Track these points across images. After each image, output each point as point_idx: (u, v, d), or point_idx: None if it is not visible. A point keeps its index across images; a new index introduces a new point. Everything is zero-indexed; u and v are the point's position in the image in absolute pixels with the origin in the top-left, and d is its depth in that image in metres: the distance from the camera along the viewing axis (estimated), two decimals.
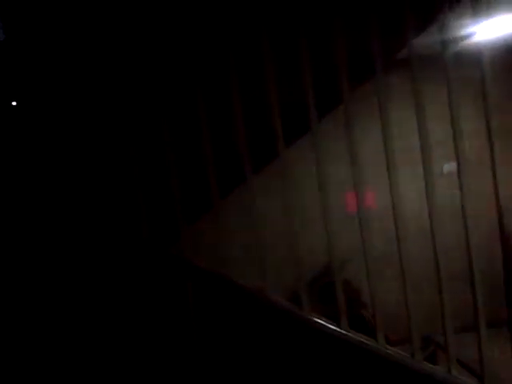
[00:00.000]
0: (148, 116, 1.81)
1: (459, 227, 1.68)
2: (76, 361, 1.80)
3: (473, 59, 1.65)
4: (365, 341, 1.64)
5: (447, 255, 1.68)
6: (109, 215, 1.83)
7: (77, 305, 1.80)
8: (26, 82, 1.88)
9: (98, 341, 1.80)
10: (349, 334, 1.65)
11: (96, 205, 1.83)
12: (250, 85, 1.73)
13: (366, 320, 2.59)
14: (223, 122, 1.78)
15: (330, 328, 1.65)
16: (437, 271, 1.67)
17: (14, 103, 1.91)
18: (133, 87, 1.80)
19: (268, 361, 1.80)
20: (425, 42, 1.89)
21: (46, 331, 1.79)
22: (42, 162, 1.86)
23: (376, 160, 1.87)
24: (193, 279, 1.81)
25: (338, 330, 1.65)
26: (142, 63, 1.78)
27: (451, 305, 1.67)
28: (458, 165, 1.65)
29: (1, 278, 1.79)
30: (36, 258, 1.81)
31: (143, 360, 1.82)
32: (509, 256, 1.70)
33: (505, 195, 1.69)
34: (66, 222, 1.81)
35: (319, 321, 1.67)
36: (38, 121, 1.88)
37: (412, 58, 1.65)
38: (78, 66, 1.81)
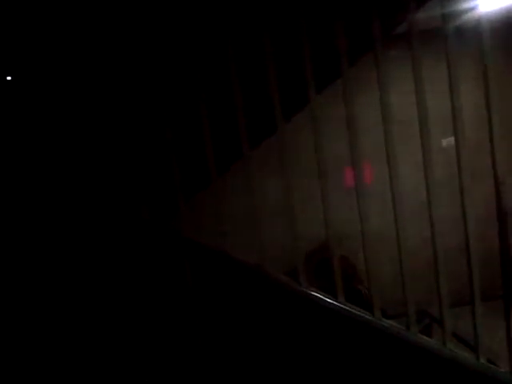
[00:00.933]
0: (146, 94, 1.80)
1: (456, 202, 1.69)
2: (75, 340, 1.82)
3: (474, 33, 1.63)
4: (361, 314, 1.67)
5: (444, 230, 1.69)
6: (108, 195, 1.83)
7: (78, 286, 1.81)
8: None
9: (100, 318, 1.82)
10: (345, 307, 1.67)
11: (94, 184, 1.83)
12: (247, 59, 1.72)
13: (362, 294, 2.62)
14: (221, 97, 1.77)
15: (326, 301, 1.67)
16: (433, 245, 1.68)
17: (8, 78, 1.89)
18: (130, 66, 1.78)
19: (266, 335, 1.82)
20: (425, 15, 1.87)
21: (48, 310, 1.81)
22: (40, 140, 1.85)
23: (375, 135, 1.87)
24: (191, 255, 1.82)
25: (334, 303, 1.67)
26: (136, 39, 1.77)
27: (447, 279, 1.68)
28: (456, 140, 1.65)
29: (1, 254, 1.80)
30: (37, 238, 1.81)
31: (143, 334, 1.84)
32: (505, 230, 1.70)
33: (503, 170, 1.69)
34: (67, 203, 1.82)
35: (316, 294, 1.69)
36: (34, 95, 1.87)
37: (412, 32, 1.63)
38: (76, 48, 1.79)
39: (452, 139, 1.68)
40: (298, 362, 1.76)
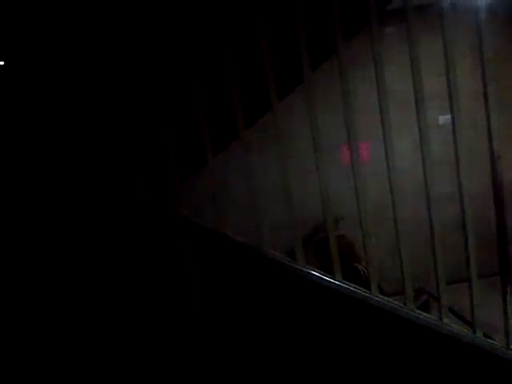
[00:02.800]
0: (140, 75, 1.79)
1: (453, 179, 1.69)
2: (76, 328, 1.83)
3: (469, 9, 1.61)
4: (358, 290, 1.68)
5: (441, 207, 1.69)
6: (105, 175, 1.83)
7: (77, 270, 1.82)
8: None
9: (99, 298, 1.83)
10: (343, 284, 1.68)
11: (92, 164, 1.83)
12: (242, 36, 1.70)
13: (360, 273, 2.63)
14: (215, 76, 1.76)
15: (324, 279, 1.68)
16: (430, 222, 1.69)
17: (1, 63, 1.88)
18: (124, 48, 1.77)
19: (264, 314, 1.83)
20: None
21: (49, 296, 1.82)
22: (37, 127, 1.85)
23: (371, 112, 1.86)
24: (189, 236, 1.82)
25: (332, 281, 1.68)
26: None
27: (444, 254, 1.69)
28: (452, 116, 1.64)
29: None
30: (38, 221, 1.82)
31: (143, 315, 1.85)
32: (501, 207, 1.71)
33: (499, 144, 1.69)
34: (65, 186, 1.82)
35: (314, 272, 1.70)
36: (30, 80, 1.86)
37: (407, 7, 1.62)
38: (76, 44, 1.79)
39: (449, 117, 1.68)
40: (297, 339, 1.77)
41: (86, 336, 1.83)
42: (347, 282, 1.70)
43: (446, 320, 1.66)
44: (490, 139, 1.68)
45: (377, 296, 1.68)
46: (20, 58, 1.87)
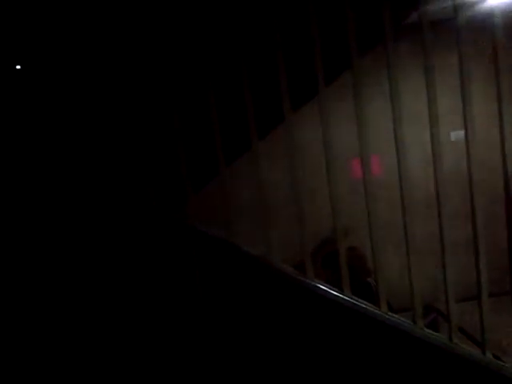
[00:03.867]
0: (155, 83, 1.80)
1: (465, 195, 1.67)
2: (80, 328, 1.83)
3: (485, 24, 1.60)
4: (367, 307, 1.66)
5: (452, 223, 1.68)
6: (117, 184, 1.83)
7: (85, 273, 1.82)
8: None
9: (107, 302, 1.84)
10: (351, 299, 1.66)
11: (104, 172, 1.84)
12: (256, 50, 1.71)
13: (371, 287, 2.60)
14: (229, 87, 1.76)
15: (332, 294, 1.67)
16: (441, 239, 1.67)
17: (18, 67, 1.90)
18: (139, 53, 1.78)
19: (272, 327, 1.82)
20: (436, 6, 1.85)
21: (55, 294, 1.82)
22: (52, 132, 1.86)
23: (383, 127, 1.86)
24: (198, 245, 1.82)
25: (340, 295, 1.66)
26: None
27: (454, 273, 1.67)
28: (466, 132, 1.63)
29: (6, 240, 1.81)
30: (46, 224, 1.83)
31: (149, 320, 1.85)
32: None
33: None
34: (76, 191, 1.83)
35: (322, 287, 1.68)
36: (42, 84, 1.87)
37: (423, 23, 1.61)
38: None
39: (462, 132, 1.67)
40: (302, 353, 1.76)
41: (92, 342, 1.83)
42: (356, 298, 1.68)
43: (455, 339, 1.64)
44: (504, 156, 1.66)
45: (386, 313, 1.66)
46: (33, 61, 1.88)
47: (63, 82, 1.85)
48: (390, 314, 1.67)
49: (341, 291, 1.69)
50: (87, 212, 1.82)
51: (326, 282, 1.74)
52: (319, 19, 1.59)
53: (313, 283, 1.69)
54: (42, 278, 1.82)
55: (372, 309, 1.66)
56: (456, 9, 1.59)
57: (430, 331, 1.68)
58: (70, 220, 1.83)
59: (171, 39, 1.75)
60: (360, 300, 1.67)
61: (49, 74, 1.86)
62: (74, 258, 1.82)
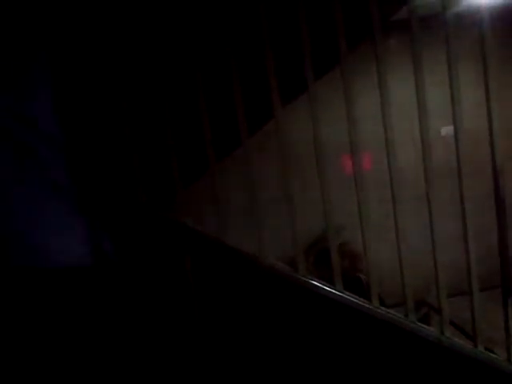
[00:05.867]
0: (143, 77, 1.79)
1: (454, 190, 1.68)
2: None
3: (474, 20, 1.62)
4: (358, 301, 1.66)
5: (442, 218, 1.69)
6: (105, 179, 1.82)
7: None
8: None
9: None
10: (343, 294, 1.67)
11: (92, 166, 1.83)
12: (245, 45, 1.71)
13: (363, 283, 2.61)
14: (218, 83, 1.76)
15: (324, 289, 1.67)
16: (431, 234, 1.68)
17: None
18: (131, 53, 1.78)
19: (263, 323, 1.82)
20: (425, 2, 1.86)
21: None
22: None
23: (373, 123, 1.86)
24: (188, 243, 1.82)
25: (332, 290, 1.67)
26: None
27: (445, 267, 1.68)
28: (455, 127, 1.64)
29: None
30: None
31: (141, 318, 1.84)
32: (503, 219, 1.70)
33: (501, 157, 1.68)
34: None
35: (314, 282, 1.69)
36: None
37: (412, 18, 1.62)
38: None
39: (451, 128, 1.68)
40: (295, 349, 1.76)
41: (83, 340, 1.81)
42: (347, 292, 1.69)
43: (447, 333, 1.65)
44: (493, 151, 1.67)
45: (378, 307, 1.66)
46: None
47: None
48: (381, 307, 1.68)
49: (332, 286, 1.70)
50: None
51: (320, 279, 1.74)
52: (308, 13, 1.59)
53: (304, 279, 1.69)
54: None
55: (363, 303, 1.67)
56: (445, 4, 1.60)
57: (422, 325, 1.69)
58: None
59: (160, 34, 1.74)
60: (351, 294, 1.68)
61: None
62: None
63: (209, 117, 1.69)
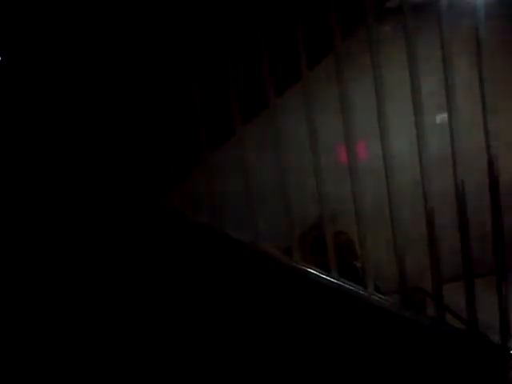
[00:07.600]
0: (138, 72, 1.79)
1: (450, 177, 1.69)
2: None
3: (467, 8, 1.61)
4: (354, 288, 1.68)
5: (438, 205, 1.70)
6: (101, 170, 1.83)
7: (74, 267, 1.82)
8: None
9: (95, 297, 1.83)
10: (338, 281, 1.68)
11: (88, 160, 1.83)
12: (239, 34, 1.70)
13: (358, 270, 2.62)
14: (213, 72, 1.76)
15: (319, 276, 1.69)
16: (427, 220, 1.69)
17: None
18: (125, 46, 1.77)
19: (259, 310, 1.83)
20: None
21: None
22: (35, 125, 1.84)
23: (368, 110, 1.86)
24: (184, 231, 1.83)
25: (327, 278, 1.68)
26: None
27: (441, 253, 1.69)
28: (450, 115, 1.65)
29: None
30: (34, 218, 1.82)
31: (139, 310, 1.86)
32: (498, 205, 1.71)
33: (495, 145, 1.69)
34: (61, 182, 1.82)
35: (309, 269, 1.70)
36: (28, 78, 1.85)
37: (405, 6, 1.61)
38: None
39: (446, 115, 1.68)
40: (291, 335, 1.78)
41: (82, 335, 1.83)
42: (342, 279, 1.70)
43: (441, 317, 1.67)
44: (488, 139, 1.68)
45: (372, 293, 1.68)
46: (18, 55, 1.86)
47: (42, 72, 1.83)
48: (376, 294, 1.70)
49: (328, 273, 1.71)
50: (72, 203, 1.81)
51: (316, 267, 1.76)
52: (300, 2, 1.58)
53: (299, 266, 1.71)
54: (34, 272, 1.81)
55: (359, 289, 1.68)
56: None
57: (417, 311, 1.71)
58: (56, 211, 1.82)
59: (155, 27, 1.74)
60: (346, 281, 1.69)
61: (29, 63, 1.85)
62: (61, 250, 1.82)
63: (203, 106, 1.69)
